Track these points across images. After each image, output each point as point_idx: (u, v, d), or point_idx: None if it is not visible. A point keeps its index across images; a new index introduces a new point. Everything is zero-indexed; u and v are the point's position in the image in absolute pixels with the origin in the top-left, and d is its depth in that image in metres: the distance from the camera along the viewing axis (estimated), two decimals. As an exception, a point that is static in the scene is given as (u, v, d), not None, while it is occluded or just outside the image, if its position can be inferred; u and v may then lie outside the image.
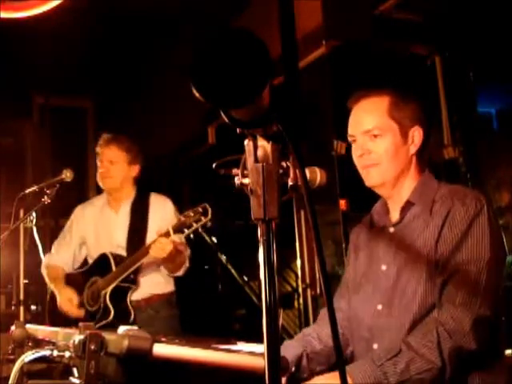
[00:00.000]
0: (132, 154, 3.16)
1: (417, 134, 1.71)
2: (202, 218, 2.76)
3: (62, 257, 3.27)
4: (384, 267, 1.71)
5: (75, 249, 3.26)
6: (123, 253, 3.07)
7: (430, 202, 1.67)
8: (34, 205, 3.23)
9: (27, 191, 3.21)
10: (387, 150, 1.67)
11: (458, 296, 1.53)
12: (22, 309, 3.53)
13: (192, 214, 2.77)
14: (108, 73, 6.88)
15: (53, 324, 3.00)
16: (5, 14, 3.71)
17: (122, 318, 2.96)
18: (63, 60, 6.12)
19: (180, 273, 3.08)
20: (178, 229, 2.77)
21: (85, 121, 7.36)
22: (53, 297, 3.21)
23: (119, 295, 2.99)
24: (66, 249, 3.29)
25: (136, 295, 3.06)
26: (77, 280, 3.15)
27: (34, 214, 3.23)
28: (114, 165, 3.12)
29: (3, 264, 3.33)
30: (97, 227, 3.23)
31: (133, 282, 3.03)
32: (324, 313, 1.94)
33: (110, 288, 2.96)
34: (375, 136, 1.67)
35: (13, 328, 1.52)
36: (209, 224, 2.78)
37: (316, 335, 1.82)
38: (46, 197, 3.15)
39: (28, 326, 1.54)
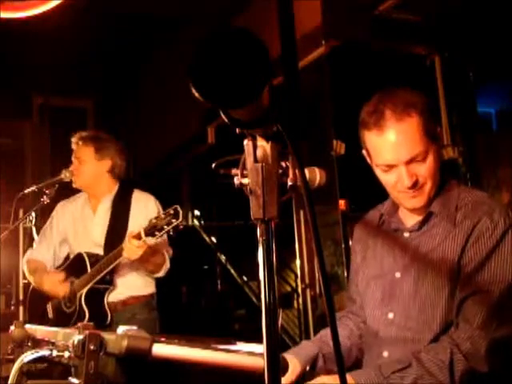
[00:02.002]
0: (100, 150, 3.11)
1: (439, 134, 1.63)
2: (173, 220, 2.66)
3: (42, 253, 3.24)
4: (398, 275, 1.65)
5: (55, 246, 3.22)
6: (101, 252, 3.01)
7: (452, 212, 1.59)
8: (34, 205, 3.23)
9: (26, 191, 3.21)
10: (432, 170, 1.57)
11: (477, 317, 1.48)
12: (21, 309, 3.53)
13: (163, 217, 2.68)
14: (108, 73, 6.88)
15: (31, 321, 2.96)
16: (5, 14, 3.70)
17: (98, 320, 2.88)
18: (63, 60, 6.12)
19: (160, 273, 3.01)
20: (149, 231, 2.68)
21: (84, 121, 7.37)
22: (33, 292, 3.18)
23: (95, 297, 2.93)
24: (46, 245, 3.25)
25: (112, 297, 3.00)
26: (53, 277, 3.09)
27: (33, 214, 3.23)
28: (82, 163, 3.10)
29: (3, 264, 3.33)
30: (76, 224, 3.19)
31: (109, 282, 2.96)
32: (340, 315, 1.89)
33: (85, 289, 2.90)
34: (418, 161, 1.55)
35: (12, 328, 1.52)
36: (181, 227, 2.71)
37: None
38: (45, 197, 3.15)
39: (27, 325, 1.54)
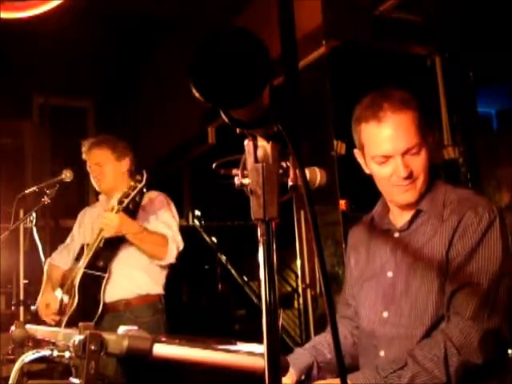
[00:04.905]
0: (117, 150, 3.11)
1: (431, 137, 1.67)
2: (138, 184, 2.70)
3: (63, 259, 3.26)
4: (390, 273, 1.67)
5: (75, 250, 3.21)
6: None
7: (440, 208, 1.63)
8: (34, 205, 3.23)
9: (27, 191, 3.21)
10: (424, 165, 1.61)
11: (468, 309, 1.50)
12: (21, 309, 3.54)
13: (132, 184, 2.71)
14: (108, 73, 6.88)
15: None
16: (5, 14, 3.71)
17: (89, 308, 2.87)
18: (63, 60, 6.12)
19: (165, 258, 2.93)
20: (120, 201, 2.70)
21: (85, 121, 7.37)
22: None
23: (89, 283, 2.92)
24: (67, 252, 3.27)
25: (114, 294, 2.99)
26: (68, 275, 3.12)
27: (33, 214, 3.23)
28: (103, 166, 3.09)
29: (3, 264, 3.33)
30: (94, 226, 3.18)
31: (103, 270, 2.94)
32: None
33: (79, 276, 2.90)
34: (413, 154, 1.59)
35: (13, 328, 1.52)
36: (144, 190, 2.75)
37: (327, 344, 1.79)
38: (45, 197, 3.15)
39: (28, 326, 1.54)
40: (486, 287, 1.50)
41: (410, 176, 1.60)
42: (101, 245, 2.91)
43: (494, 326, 1.49)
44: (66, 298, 3.00)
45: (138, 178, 2.73)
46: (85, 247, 3.01)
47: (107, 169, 3.10)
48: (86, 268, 2.91)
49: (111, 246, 2.93)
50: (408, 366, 1.46)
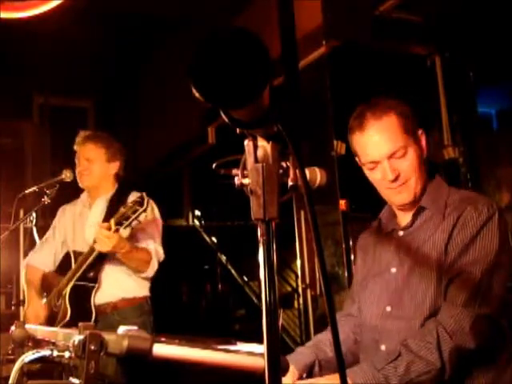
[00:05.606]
0: (111, 151, 3.06)
1: (423, 137, 1.71)
2: (138, 208, 2.62)
3: (42, 257, 3.21)
4: (393, 270, 1.71)
5: (57, 249, 3.19)
6: None
7: (442, 207, 1.67)
8: (34, 205, 3.23)
9: (27, 191, 3.20)
10: (414, 165, 1.66)
11: (460, 296, 1.53)
12: (21, 309, 3.53)
13: (130, 205, 2.64)
14: (108, 73, 6.89)
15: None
16: (5, 14, 3.71)
17: (82, 319, 2.84)
18: (63, 60, 6.12)
19: (147, 272, 2.93)
20: (118, 221, 2.64)
21: (85, 121, 7.37)
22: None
23: (80, 295, 2.88)
24: (47, 249, 3.22)
25: (101, 298, 2.95)
26: (50, 280, 3.09)
27: (33, 215, 3.22)
28: (92, 163, 3.03)
29: (3, 264, 3.32)
30: (74, 226, 3.17)
31: (93, 280, 2.91)
32: (337, 318, 1.92)
33: (69, 287, 2.87)
34: (399, 157, 1.65)
35: (13, 328, 1.52)
36: (143, 214, 2.66)
37: (328, 342, 1.82)
38: (45, 197, 3.14)
39: (28, 326, 1.54)
40: (478, 277, 1.54)
41: (398, 178, 1.66)
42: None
43: (485, 312, 1.52)
44: (54, 308, 2.97)
45: (138, 199, 2.64)
46: (72, 256, 2.97)
47: (95, 167, 3.04)
48: (77, 280, 2.88)
49: (100, 256, 2.88)
50: (402, 355, 1.49)
